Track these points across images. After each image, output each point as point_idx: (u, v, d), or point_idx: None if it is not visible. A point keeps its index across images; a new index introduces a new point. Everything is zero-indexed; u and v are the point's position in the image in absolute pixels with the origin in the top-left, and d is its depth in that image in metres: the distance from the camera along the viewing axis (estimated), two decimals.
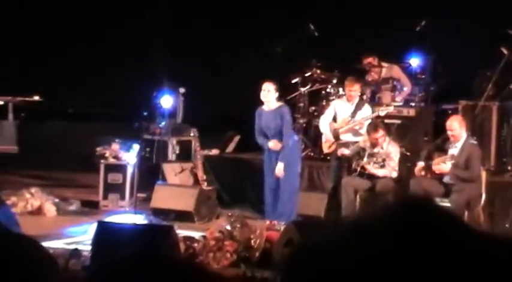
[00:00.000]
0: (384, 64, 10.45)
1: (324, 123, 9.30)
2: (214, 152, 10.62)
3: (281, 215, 8.16)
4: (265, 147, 8.44)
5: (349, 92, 9.21)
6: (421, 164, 8.21)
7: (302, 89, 10.50)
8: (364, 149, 8.74)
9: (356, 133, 9.12)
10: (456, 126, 8.07)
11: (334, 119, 9.28)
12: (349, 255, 0.99)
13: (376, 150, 8.66)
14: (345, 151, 8.89)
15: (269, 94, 8.25)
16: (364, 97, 9.79)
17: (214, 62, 12.22)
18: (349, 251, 1.00)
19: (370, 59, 10.44)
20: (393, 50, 10.50)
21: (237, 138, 11.09)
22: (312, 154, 10.18)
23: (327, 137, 9.31)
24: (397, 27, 10.48)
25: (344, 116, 9.22)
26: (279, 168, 8.20)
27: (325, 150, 9.39)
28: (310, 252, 1.05)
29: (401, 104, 10.15)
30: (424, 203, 1.06)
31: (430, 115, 10.26)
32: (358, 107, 9.18)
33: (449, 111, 9.96)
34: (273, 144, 8.27)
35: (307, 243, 1.10)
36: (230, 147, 11.12)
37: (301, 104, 10.47)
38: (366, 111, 9.18)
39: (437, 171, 8.08)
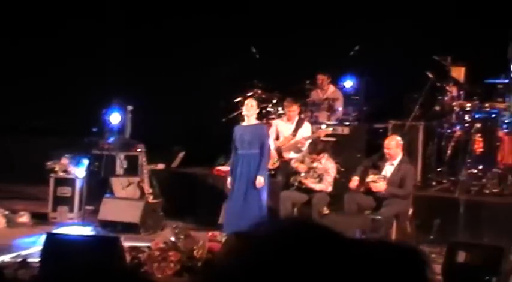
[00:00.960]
0: (331, 86, 10.60)
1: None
2: (160, 166, 10.56)
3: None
4: (236, 163, 8.32)
5: (288, 112, 9.40)
6: (355, 178, 8.28)
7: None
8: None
9: (298, 150, 9.27)
10: (393, 146, 8.22)
11: (277, 138, 9.41)
12: (245, 276, 1.06)
13: (314, 165, 8.74)
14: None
15: (252, 109, 8.33)
16: (303, 116, 9.91)
17: (161, 81, 12.18)
18: (245, 271, 1.07)
19: (322, 77, 10.57)
20: (329, 72, 10.65)
21: (182, 154, 11.06)
22: None
23: (271, 154, 9.37)
24: (332, 51, 10.66)
25: (286, 134, 9.37)
26: (260, 182, 8.15)
27: (269, 166, 9.47)
28: (214, 277, 1.11)
29: (336, 123, 10.30)
30: (305, 224, 1.14)
31: (363, 133, 10.41)
32: (299, 125, 9.37)
33: (380, 130, 10.14)
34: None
35: (212, 269, 1.18)
36: (176, 162, 11.07)
37: None
38: (306, 128, 9.35)
39: (373, 189, 8.14)
